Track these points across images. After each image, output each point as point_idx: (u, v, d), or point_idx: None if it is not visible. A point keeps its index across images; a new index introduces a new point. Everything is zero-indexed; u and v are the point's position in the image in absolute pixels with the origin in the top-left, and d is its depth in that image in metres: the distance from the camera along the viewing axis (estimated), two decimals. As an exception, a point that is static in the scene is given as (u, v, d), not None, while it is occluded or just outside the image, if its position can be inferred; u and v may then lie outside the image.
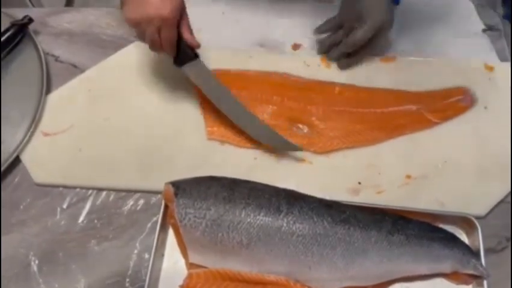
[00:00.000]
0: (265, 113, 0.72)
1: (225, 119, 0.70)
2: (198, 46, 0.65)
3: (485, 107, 0.72)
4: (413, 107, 0.72)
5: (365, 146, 0.69)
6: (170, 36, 0.61)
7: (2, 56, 0.77)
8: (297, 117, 0.71)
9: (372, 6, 0.69)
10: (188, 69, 0.66)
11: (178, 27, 0.62)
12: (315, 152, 0.69)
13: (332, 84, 0.75)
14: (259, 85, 0.74)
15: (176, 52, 0.64)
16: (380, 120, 0.71)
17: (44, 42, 0.80)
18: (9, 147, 0.70)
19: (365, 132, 0.70)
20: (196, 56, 0.66)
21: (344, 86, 0.75)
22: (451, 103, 0.73)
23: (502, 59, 0.77)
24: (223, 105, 0.68)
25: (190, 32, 0.64)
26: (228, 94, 0.68)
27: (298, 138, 0.69)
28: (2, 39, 0.76)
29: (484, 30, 0.80)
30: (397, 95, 0.74)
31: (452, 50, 0.78)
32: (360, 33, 0.70)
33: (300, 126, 0.71)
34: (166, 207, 0.62)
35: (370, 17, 0.69)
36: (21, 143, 0.70)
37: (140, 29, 0.61)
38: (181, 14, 0.62)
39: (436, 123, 0.71)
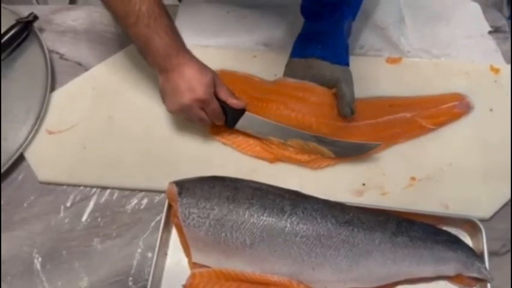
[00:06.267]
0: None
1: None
2: (243, 106, 0.67)
3: (491, 110, 0.72)
4: (408, 114, 0.71)
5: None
6: (214, 110, 0.64)
7: (7, 53, 0.77)
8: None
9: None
10: (240, 125, 0.68)
11: (217, 97, 0.65)
12: (312, 168, 0.68)
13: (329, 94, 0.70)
14: (257, 90, 0.72)
15: (225, 118, 0.67)
16: (375, 131, 0.69)
17: (48, 39, 0.80)
18: (13, 144, 0.70)
19: None
20: (243, 111, 0.67)
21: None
22: (445, 109, 0.72)
23: (508, 61, 0.77)
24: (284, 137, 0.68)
25: (230, 94, 0.66)
26: (285, 130, 0.67)
27: (292, 153, 0.68)
28: (7, 37, 0.76)
29: (490, 32, 0.79)
30: (392, 102, 0.72)
31: (458, 51, 0.78)
32: (347, 94, 0.67)
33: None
34: (170, 206, 0.62)
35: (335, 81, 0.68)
36: (25, 140, 0.70)
37: (185, 115, 0.65)
38: (214, 85, 0.64)
39: (431, 130, 0.70)
